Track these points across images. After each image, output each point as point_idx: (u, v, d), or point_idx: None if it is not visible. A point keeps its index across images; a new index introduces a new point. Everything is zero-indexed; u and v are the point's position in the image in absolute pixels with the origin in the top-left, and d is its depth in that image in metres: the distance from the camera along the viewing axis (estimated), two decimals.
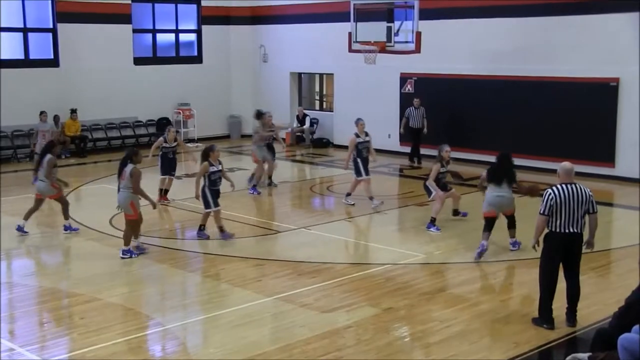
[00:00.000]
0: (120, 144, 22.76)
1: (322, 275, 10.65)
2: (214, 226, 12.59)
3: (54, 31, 21.70)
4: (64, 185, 13.33)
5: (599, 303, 9.38)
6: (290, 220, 14.03)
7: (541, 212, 8.46)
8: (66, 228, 13.06)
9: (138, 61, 23.45)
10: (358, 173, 14.80)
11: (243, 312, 9.20)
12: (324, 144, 23.49)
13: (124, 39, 22.96)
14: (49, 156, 12.88)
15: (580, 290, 8.71)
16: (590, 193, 8.49)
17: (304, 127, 23.55)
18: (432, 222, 13.24)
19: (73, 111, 21.48)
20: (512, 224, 11.95)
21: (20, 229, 12.90)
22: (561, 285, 8.70)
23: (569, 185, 8.42)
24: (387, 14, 17.19)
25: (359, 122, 14.99)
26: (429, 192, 13.34)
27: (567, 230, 8.41)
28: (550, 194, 8.41)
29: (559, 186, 8.44)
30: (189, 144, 23.81)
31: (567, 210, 8.36)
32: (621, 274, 10.78)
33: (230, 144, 23.97)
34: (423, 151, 19.95)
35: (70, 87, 21.81)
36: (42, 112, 17.29)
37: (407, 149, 20.51)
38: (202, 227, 12.71)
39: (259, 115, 16.68)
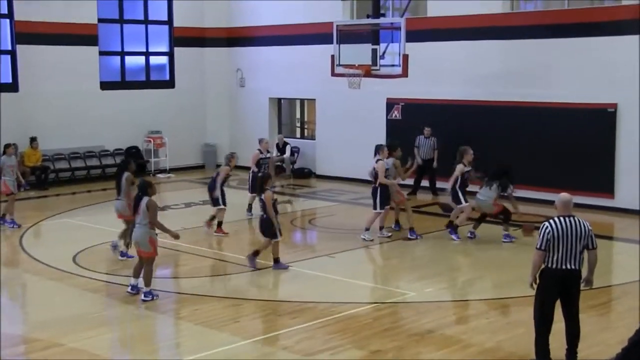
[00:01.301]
0: (85, 175, 22.73)
1: (304, 315, 10.66)
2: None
3: (12, 53, 21.76)
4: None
5: (600, 344, 9.46)
6: (269, 257, 14.02)
7: (538, 246, 8.49)
8: (122, 254, 13.54)
9: (105, 86, 23.50)
10: (375, 205, 15.09)
11: (219, 356, 9.18)
12: (305, 174, 23.57)
13: (90, 62, 23.02)
14: (126, 174, 13.34)
15: (580, 330, 8.75)
16: (589, 227, 8.51)
17: (284, 156, 23.61)
18: (455, 229, 14.62)
19: (33, 139, 21.45)
20: (505, 219, 14.74)
21: (124, 254, 13.43)
22: (559, 324, 8.76)
23: (567, 218, 8.45)
24: (372, 36, 17.32)
25: (384, 148, 15.35)
26: (457, 200, 14.73)
27: (564, 267, 8.43)
28: (547, 227, 8.44)
29: (556, 219, 8.47)
30: (160, 175, 23.87)
31: (564, 245, 8.38)
32: (622, 312, 10.91)
33: (205, 175, 23.97)
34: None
35: (30, 113, 21.80)
36: (8, 145, 16.91)
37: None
38: (277, 260, 13.00)
39: (394, 147, 15.75)
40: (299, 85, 23.63)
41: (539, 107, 18.55)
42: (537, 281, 8.66)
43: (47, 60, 22.00)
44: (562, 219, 8.45)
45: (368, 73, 17.28)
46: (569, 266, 8.42)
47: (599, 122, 17.69)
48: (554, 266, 8.44)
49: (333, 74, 18.12)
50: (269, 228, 12.86)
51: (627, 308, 10.86)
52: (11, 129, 21.12)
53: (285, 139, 23.94)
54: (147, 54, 24.81)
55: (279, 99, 25.10)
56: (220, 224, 15.60)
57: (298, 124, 26.57)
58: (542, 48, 18.59)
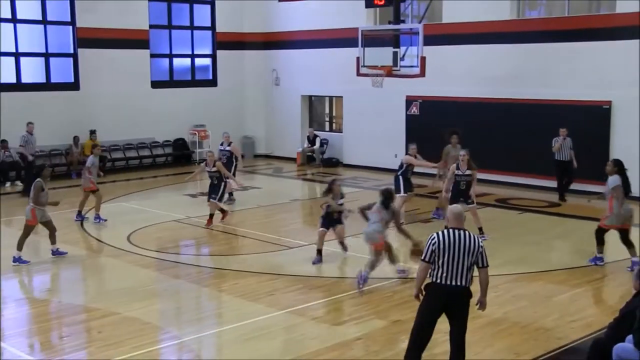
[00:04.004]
0: (138, 164, 22.95)
1: (332, 289, 10.74)
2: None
3: (74, 56, 21.95)
4: (53, 205, 12.64)
5: (594, 314, 9.47)
6: (302, 237, 14.11)
7: (422, 257, 7.21)
8: (54, 252, 12.53)
9: (155, 84, 23.68)
10: (398, 190, 14.75)
11: (255, 325, 9.28)
12: (333, 163, 23.62)
13: (142, 64, 23.21)
14: (37, 180, 12.39)
15: (464, 353, 7.40)
16: (480, 243, 7.12)
17: (315, 147, 23.70)
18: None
19: (92, 132, 21.70)
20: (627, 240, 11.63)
21: (16, 259, 12.16)
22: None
23: (456, 231, 7.09)
24: (393, 40, 17.26)
25: (411, 146, 15.25)
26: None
27: (448, 282, 7.07)
28: (434, 238, 7.11)
29: (445, 231, 7.14)
30: (203, 164, 23.97)
31: (450, 260, 7.03)
32: (616, 287, 10.90)
33: (244, 164, 24.08)
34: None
35: (90, 109, 22.01)
36: (95, 146, 16.33)
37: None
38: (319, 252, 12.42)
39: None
40: (328, 84, 23.63)
41: (541, 104, 18.46)
42: (422, 293, 7.38)
43: (104, 62, 22.17)
44: (451, 231, 7.11)
45: (389, 73, 17.24)
46: (453, 282, 7.04)
47: (595, 118, 17.60)
48: (438, 281, 7.11)
49: (358, 74, 18.10)
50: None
51: (619, 283, 10.84)
52: (73, 123, 21.45)
53: (315, 132, 24.02)
54: (192, 56, 24.92)
55: (310, 97, 25.11)
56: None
57: (327, 119, 26.58)
58: (545, 51, 18.49)
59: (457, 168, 13.43)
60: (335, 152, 23.87)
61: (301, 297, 10.42)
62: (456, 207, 7.39)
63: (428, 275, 7.21)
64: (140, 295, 10.57)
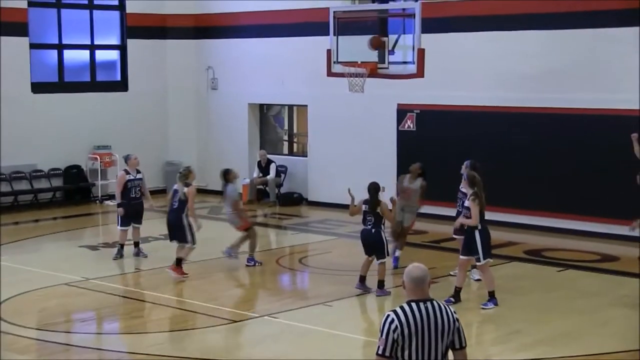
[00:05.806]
0: (12, 203, 22.69)
1: None
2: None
3: None
4: None
5: None
6: (250, 305, 14.08)
7: (380, 352, 6.63)
8: None
9: (38, 88, 23.57)
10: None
11: None
12: (294, 200, 23.64)
13: (19, 58, 23.06)
14: None
15: None
16: (455, 316, 6.76)
17: (268, 177, 23.71)
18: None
19: None
20: None
21: None
22: None
23: (420, 305, 6.69)
24: (379, 26, 17.46)
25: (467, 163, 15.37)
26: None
27: None
28: (392, 321, 6.61)
29: (406, 307, 6.67)
30: (108, 202, 23.83)
31: (419, 348, 6.61)
32: None
33: (167, 202, 24.01)
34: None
35: None
36: (228, 171, 17.25)
37: None
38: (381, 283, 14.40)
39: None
40: (287, 88, 23.73)
41: (592, 115, 18.60)
42: None
43: None
44: (414, 306, 6.67)
45: (374, 72, 17.35)
46: None
47: None
48: None
49: (330, 74, 18.20)
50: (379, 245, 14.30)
51: None
52: None
53: (268, 156, 24.02)
54: (92, 48, 24.92)
55: (262, 105, 25.20)
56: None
57: (285, 137, 26.67)
58: (598, 40, 18.67)
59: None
60: (297, 185, 23.93)
61: None
62: (416, 267, 6.85)
63: None
64: None
